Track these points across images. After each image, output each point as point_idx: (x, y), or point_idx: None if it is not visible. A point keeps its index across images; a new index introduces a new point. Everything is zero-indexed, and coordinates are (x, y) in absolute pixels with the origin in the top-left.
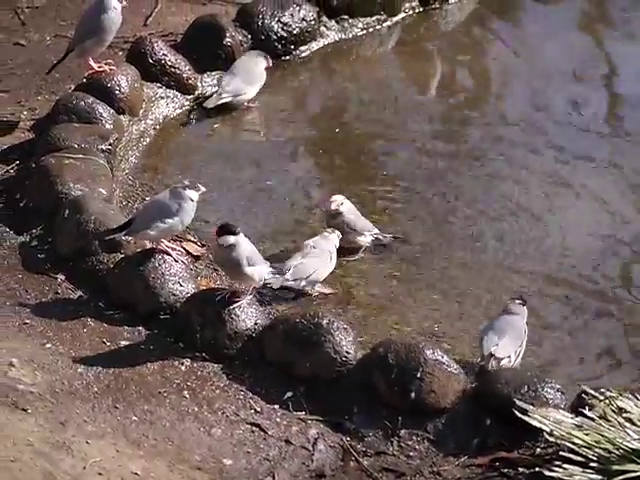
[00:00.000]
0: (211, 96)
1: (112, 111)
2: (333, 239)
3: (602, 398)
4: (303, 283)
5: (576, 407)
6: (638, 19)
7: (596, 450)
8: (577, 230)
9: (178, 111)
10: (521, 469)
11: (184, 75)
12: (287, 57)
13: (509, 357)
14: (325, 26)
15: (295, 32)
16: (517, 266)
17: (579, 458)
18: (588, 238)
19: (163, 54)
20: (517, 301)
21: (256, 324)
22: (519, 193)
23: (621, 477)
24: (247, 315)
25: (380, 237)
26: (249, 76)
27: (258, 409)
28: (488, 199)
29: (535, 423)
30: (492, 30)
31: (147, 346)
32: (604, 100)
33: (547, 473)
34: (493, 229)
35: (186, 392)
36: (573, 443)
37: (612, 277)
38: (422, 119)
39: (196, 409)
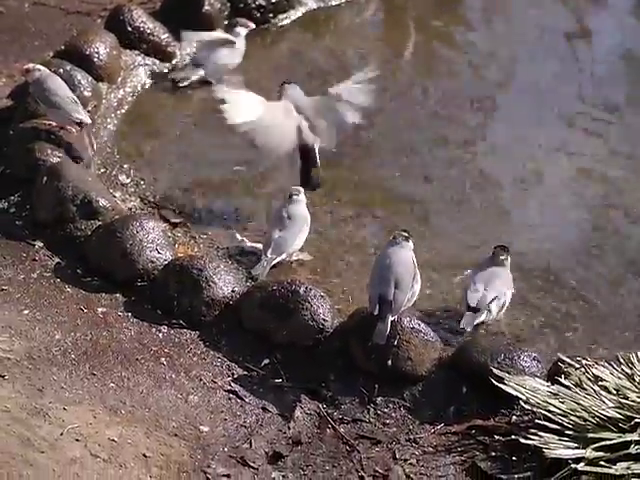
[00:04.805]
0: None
1: (90, 78)
2: (303, 200)
3: (578, 366)
4: (284, 256)
5: (552, 375)
6: None
7: (572, 418)
8: (558, 203)
9: (156, 79)
10: (497, 437)
11: (163, 42)
12: (266, 25)
13: (488, 309)
14: None
15: (274, 0)
16: (497, 236)
17: (555, 426)
18: (569, 211)
19: (142, 21)
20: (499, 250)
21: (233, 291)
22: (499, 160)
23: (596, 445)
24: (224, 282)
25: None
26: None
27: (235, 376)
28: (468, 167)
29: (511, 391)
30: None
31: (125, 313)
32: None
33: (523, 441)
34: (473, 198)
35: (163, 359)
36: (549, 411)
37: (592, 249)
38: (398, 87)
39: (173, 376)
